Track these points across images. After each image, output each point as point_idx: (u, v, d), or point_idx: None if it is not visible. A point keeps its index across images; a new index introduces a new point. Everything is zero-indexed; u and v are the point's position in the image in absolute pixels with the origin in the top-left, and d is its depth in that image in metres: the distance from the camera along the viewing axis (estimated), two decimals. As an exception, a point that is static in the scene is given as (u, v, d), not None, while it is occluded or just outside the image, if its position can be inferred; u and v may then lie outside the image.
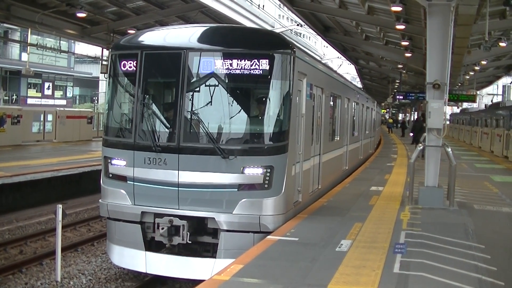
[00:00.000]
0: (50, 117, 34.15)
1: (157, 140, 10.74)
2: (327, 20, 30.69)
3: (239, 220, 10.32)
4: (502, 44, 26.60)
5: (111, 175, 11.22)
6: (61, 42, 35.68)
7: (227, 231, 10.36)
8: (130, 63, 11.16)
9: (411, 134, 42.39)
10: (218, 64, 10.67)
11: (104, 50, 34.56)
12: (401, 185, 17.61)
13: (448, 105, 15.42)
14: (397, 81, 49.43)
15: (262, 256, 8.81)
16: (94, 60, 51.20)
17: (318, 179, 14.53)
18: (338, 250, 9.24)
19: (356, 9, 25.82)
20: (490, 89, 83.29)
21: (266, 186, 10.36)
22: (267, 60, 10.49)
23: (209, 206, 10.43)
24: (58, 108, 39.27)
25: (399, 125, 77.68)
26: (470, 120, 56.69)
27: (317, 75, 13.91)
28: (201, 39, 11.20)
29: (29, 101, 62.69)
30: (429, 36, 13.92)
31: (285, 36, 13.36)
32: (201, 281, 8.02)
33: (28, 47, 39.68)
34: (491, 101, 76.98)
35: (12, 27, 50.29)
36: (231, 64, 10.56)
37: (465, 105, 67.80)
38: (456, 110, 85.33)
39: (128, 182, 10.93)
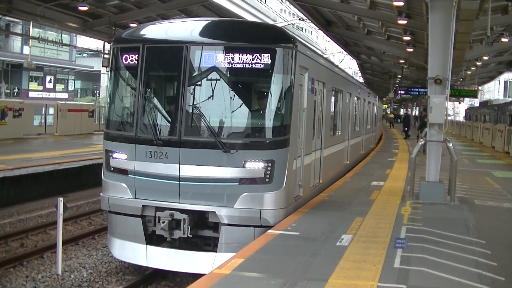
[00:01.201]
0: (51, 111, 34.16)
1: (158, 134, 10.74)
2: (329, 15, 30.65)
3: (240, 214, 10.33)
4: (504, 40, 26.55)
5: (112, 169, 11.23)
6: (62, 35, 35.56)
7: (228, 225, 10.37)
8: (132, 57, 11.15)
9: (406, 129, 42.76)
10: (220, 58, 10.66)
11: (106, 43, 34.55)
12: (402, 180, 17.61)
13: (449, 100, 15.39)
14: (399, 76, 49.38)
15: (262, 250, 8.83)
16: (96, 53, 51.17)
17: (319, 174, 14.53)
18: (339, 245, 9.25)
19: (358, 3, 25.79)
20: (491, 84, 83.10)
21: (267, 180, 10.36)
22: (269, 54, 10.48)
23: (210, 200, 10.44)
24: (59, 102, 39.27)
25: (399, 120, 77.55)
26: (497, 116, 46.87)
27: (318, 70, 13.90)
28: (203, 33, 11.18)
29: (31, 94, 62.69)
30: (431, 31, 13.91)
31: (287, 30, 13.33)
32: (201, 275, 8.04)
33: (30, 40, 39.62)
34: None
35: (13, 20, 50.23)
36: (232, 58, 10.55)
37: (470, 99, 64.64)
38: (458, 104, 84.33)
39: (129, 175, 10.94)
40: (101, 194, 11.54)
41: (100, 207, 12.57)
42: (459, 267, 8.22)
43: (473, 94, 42.51)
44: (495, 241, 10.15)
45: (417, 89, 42.19)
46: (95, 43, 49.90)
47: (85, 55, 74.14)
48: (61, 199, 11.73)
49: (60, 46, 40.29)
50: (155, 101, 11.33)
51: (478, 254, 9.01)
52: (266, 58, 10.45)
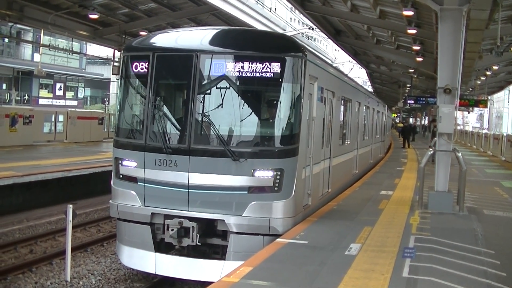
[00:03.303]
0: (61, 118, 34.32)
1: (168, 142, 10.77)
2: (339, 24, 30.67)
3: (248, 222, 10.33)
4: (514, 50, 26.48)
5: (121, 176, 11.26)
6: (73, 43, 35.76)
7: (237, 233, 10.37)
8: (142, 65, 11.20)
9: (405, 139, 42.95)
10: (230, 67, 10.69)
11: (116, 51, 34.71)
12: (410, 190, 17.58)
13: (459, 110, 15.38)
14: (408, 85, 49.32)
15: (271, 258, 8.83)
16: (106, 61, 51.38)
17: (328, 183, 14.53)
18: (347, 254, 9.25)
19: (367, 13, 25.79)
20: (501, 94, 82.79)
21: (276, 189, 10.37)
22: (279, 63, 10.51)
23: (219, 208, 10.45)
24: (69, 109, 39.48)
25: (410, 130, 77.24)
26: None
27: (328, 79, 13.91)
28: (213, 42, 11.23)
29: (41, 101, 62.90)
30: (440, 40, 13.91)
31: (297, 39, 13.36)
32: (210, 283, 8.06)
33: (41, 47, 39.85)
34: None
35: (24, 28, 50.50)
36: (242, 67, 10.57)
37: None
38: (467, 114, 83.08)
39: (138, 183, 10.96)
40: (110, 201, 11.57)
41: (109, 214, 12.61)
42: (468, 277, 8.20)
43: (483, 104, 42.40)
44: (504, 251, 10.12)
45: (426, 99, 42.13)
46: (105, 51, 50.15)
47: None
48: (71, 206, 11.78)
49: (70, 53, 40.38)
50: (165, 109, 11.37)
51: (487, 264, 8.98)
52: (275, 67, 10.48)
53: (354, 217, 12.53)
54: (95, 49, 60.65)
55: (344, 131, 17.63)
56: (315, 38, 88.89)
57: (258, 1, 36.73)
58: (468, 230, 11.84)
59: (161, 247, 10.93)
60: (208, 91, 10.87)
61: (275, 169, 10.38)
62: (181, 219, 10.45)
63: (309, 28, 48.01)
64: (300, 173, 10.89)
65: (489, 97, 57.86)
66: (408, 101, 44.82)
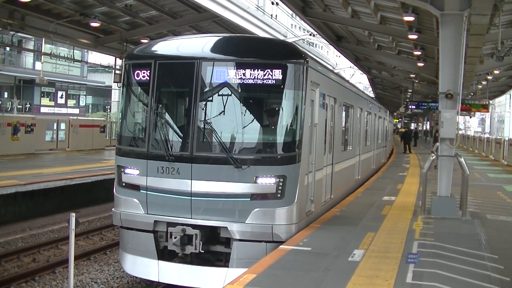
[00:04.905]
0: (63, 126, 34.38)
1: (170, 150, 10.77)
2: (340, 30, 30.71)
3: (251, 229, 10.32)
4: (515, 54, 26.44)
5: (124, 184, 11.26)
6: (74, 51, 35.83)
7: (240, 240, 10.36)
8: (144, 73, 11.21)
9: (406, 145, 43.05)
10: (231, 74, 10.70)
11: (117, 59, 34.78)
12: (413, 195, 17.56)
13: (460, 115, 15.38)
14: (410, 90, 49.30)
15: (274, 265, 8.82)
16: (107, 69, 51.41)
17: (331, 189, 14.52)
18: (351, 260, 9.24)
19: (368, 18, 25.83)
20: (502, 98, 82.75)
21: (279, 195, 10.35)
22: (280, 70, 10.51)
23: (221, 215, 10.44)
24: (71, 117, 39.55)
25: (411, 135, 77.28)
26: None
27: (329, 85, 13.92)
28: (214, 49, 11.24)
29: (43, 109, 62.98)
30: (441, 46, 13.92)
31: (298, 46, 13.39)
32: (213, 290, 8.05)
33: (42, 56, 39.91)
34: None
35: (26, 36, 50.56)
36: (244, 74, 10.58)
37: None
38: (469, 118, 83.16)
39: (141, 191, 10.96)
40: (113, 209, 11.57)
41: (111, 222, 12.61)
42: (472, 282, 8.18)
43: (483, 108, 42.46)
44: (508, 256, 10.10)
45: (428, 104, 42.13)
46: (107, 59, 50.20)
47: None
48: (73, 214, 11.76)
49: (72, 62, 40.44)
50: (167, 116, 11.36)
51: (491, 269, 8.97)
52: (277, 74, 10.48)
53: (357, 223, 12.52)
54: (96, 57, 60.81)
55: (346, 137, 17.62)
56: (316, 44, 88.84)
57: (259, 8, 36.79)
58: (471, 235, 11.83)
59: (164, 254, 10.92)
60: (210, 98, 10.87)
61: (277, 176, 10.37)
62: (184, 226, 10.44)
63: (310, 35, 48.05)
64: (302, 179, 10.88)
65: (491, 102, 57.84)
66: (410, 106, 44.87)
